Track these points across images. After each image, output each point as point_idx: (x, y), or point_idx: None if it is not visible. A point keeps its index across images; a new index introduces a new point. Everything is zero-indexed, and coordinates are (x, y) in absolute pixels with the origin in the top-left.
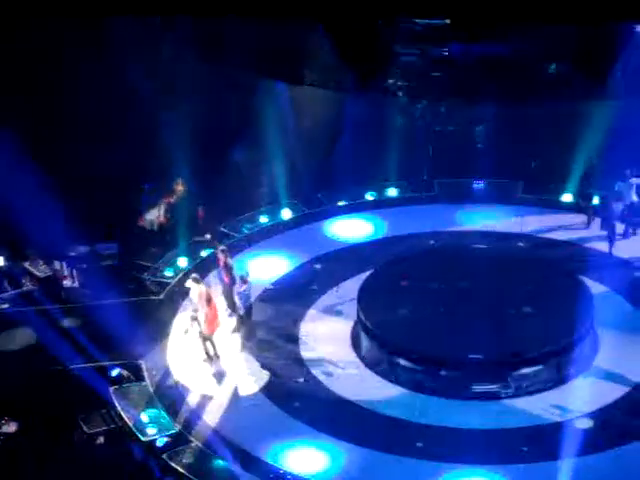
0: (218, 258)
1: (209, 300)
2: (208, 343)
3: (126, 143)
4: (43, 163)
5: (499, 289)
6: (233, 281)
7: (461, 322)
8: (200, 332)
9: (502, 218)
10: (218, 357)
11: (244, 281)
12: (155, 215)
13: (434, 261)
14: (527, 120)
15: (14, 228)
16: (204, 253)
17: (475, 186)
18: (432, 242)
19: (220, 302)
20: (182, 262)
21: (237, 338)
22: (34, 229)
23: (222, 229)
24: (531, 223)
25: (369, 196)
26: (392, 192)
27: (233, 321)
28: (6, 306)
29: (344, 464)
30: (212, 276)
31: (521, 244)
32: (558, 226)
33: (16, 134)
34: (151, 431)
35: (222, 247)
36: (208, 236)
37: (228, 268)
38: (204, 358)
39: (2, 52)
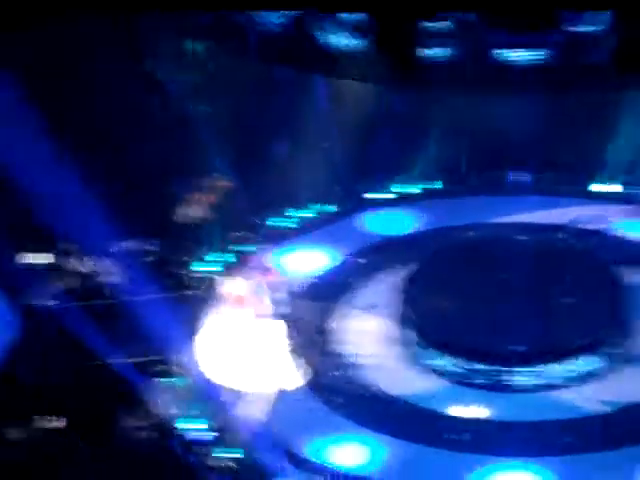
0: (255, 255)
1: (244, 298)
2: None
3: (166, 138)
4: (85, 159)
5: (537, 281)
6: (273, 277)
7: (504, 315)
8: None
9: (542, 209)
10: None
11: (280, 276)
12: (195, 211)
13: (476, 254)
14: (567, 110)
15: (57, 225)
16: (241, 250)
17: (515, 178)
18: (471, 234)
19: (256, 300)
20: (221, 258)
21: (277, 335)
22: (76, 226)
23: (260, 224)
24: (572, 214)
25: (408, 189)
26: (430, 185)
27: (272, 318)
28: (50, 302)
29: (386, 458)
30: (248, 273)
31: (562, 235)
32: (599, 217)
33: (52, 129)
34: (191, 427)
35: (261, 244)
36: (238, 234)
37: (267, 265)
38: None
39: (42, 44)
